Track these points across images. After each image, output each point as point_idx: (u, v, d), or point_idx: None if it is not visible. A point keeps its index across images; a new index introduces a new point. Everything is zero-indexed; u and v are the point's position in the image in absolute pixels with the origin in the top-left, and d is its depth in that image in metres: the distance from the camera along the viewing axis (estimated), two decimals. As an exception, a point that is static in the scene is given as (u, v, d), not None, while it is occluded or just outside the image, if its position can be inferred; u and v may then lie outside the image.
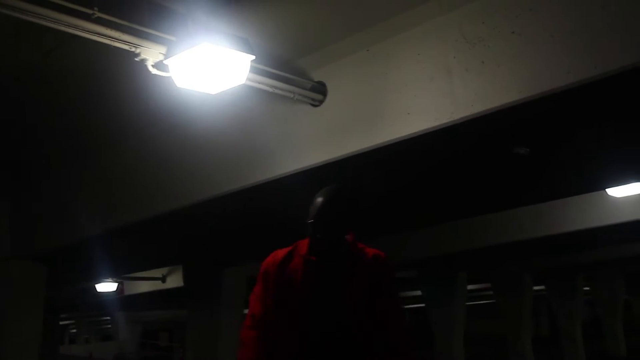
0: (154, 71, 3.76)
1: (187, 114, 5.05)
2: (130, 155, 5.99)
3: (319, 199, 2.86)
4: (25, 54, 4.49)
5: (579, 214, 8.80)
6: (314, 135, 4.69)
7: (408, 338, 2.79)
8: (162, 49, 3.70)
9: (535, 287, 17.15)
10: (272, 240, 4.09)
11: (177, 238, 7.63)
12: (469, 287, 15.77)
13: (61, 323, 36.83)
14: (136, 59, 3.74)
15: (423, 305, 15.30)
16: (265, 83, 4.30)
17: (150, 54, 3.72)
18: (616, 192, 7.72)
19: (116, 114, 5.42)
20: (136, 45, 3.67)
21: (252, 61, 4.08)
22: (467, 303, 16.61)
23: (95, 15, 3.49)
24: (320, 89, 4.63)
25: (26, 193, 7.44)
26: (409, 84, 4.19)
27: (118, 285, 14.78)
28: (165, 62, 3.62)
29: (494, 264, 13.90)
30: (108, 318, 30.56)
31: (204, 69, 3.54)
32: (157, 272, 14.55)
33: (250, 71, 4.17)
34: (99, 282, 14.29)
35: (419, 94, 4.13)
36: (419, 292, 15.89)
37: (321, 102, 4.64)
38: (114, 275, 13.91)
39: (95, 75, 4.70)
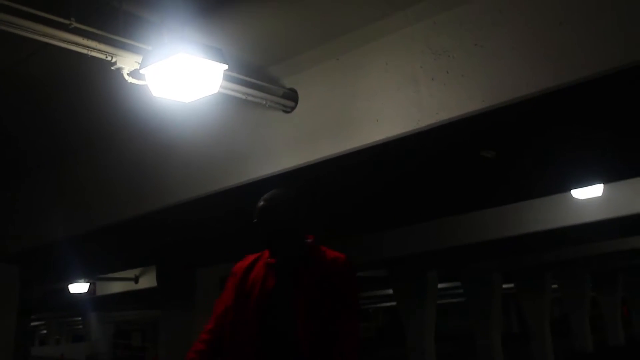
0: (129, 80, 3.87)
1: (161, 120, 5.16)
2: (104, 160, 6.07)
3: (260, 202, 2.85)
4: (2, 58, 4.55)
5: (544, 215, 9.04)
6: (286, 141, 4.83)
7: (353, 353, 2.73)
8: (138, 58, 3.81)
9: (505, 285, 17.46)
10: (244, 242, 4.20)
11: (150, 240, 7.69)
12: (441, 285, 16.00)
13: (32, 324, 36.59)
14: (112, 68, 3.84)
15: (395, 303, 15.50)
16: (238, 90, 4.43)
17: (126, 63, 3.83)
18: (580, 193, 7.95)
19: (91, 119, 5.51)
20: (112, 54, 3.78)
21: (225, 70, 4.22)
22: (439, 302, 16.91)
23: (72, 26, 3.59)
24: (292, 96, 4.76)
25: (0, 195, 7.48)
26: (377, 93, 4.34)
27: (90, 285, 14.75)
28: (140, 71, 3.72)
29: (464, 263, 14.14)
30: (79, 318, 30.36)
31: (178, 78, 3.65)
32: (130, 273, 14.56)
33: (224, 79, 4.29)
34: (72, 283, 14.25)
35: (386, 102, 4.28)
36: (390, 291, 16.08)
37: (292, 108, 4.77)
38: (86, 276, 13.89)
39: (72, 81, 4.79)
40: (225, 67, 3.80)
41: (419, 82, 4.14)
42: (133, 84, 3.92)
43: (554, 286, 19.37)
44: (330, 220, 7.28)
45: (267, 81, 4.71)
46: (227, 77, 4.32)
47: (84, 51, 3.68)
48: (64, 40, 3.60)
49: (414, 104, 4.15)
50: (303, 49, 4.64)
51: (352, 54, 4.50)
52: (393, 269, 13.73)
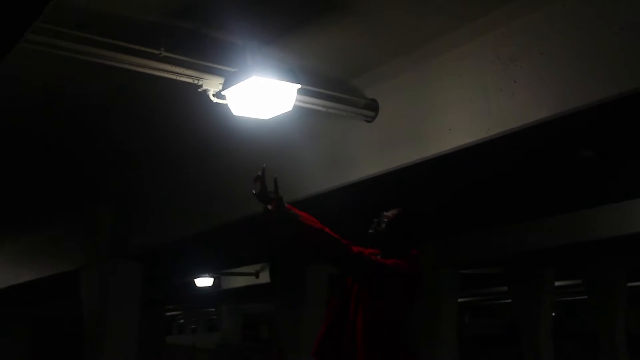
0: (215, 100, 4.25)
1: (256, 132, 5.50)
2: (215, 164, 6.56)
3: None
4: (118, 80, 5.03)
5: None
6: (368, 149, 5.07)
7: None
8: (222, 80, 4.18)
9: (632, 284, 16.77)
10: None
11: (262, 239, 8.17)
12: (558, 283, 15.62)
13: (169, 314, 38.80)
14: (199, 90, 4.23)
15: (510, 301, 15.29)
16: (319, 104, 4.72)
17: (211, 85, 4.21)
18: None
19: (201, 131, 5.97)
20: (198, 78, 4.17)
21: (303, 86, 4.53)
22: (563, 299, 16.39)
23: (162, 55, 4.01)
24: (373, 106, 4.99)
25: (125, 199, 8.19)
26: (450, 102, 4.50)
27: (215, 280, 15.61)
28: (222, 92, 4.09)
29: (584, 261, 13.74)
30: (213, 309, 31.91)
31: (254, 99, 3.98)
32: (252, 268, 15.26)
33: (306, 94, 4.61)
34: (197, 277, 15.14)
35: (459, 112, 4.43)
36: (505, 288, 15.87)
37: (374, 118, 5.00)
38: (211, 271, 14.72)
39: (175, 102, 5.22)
40: (298, 86, 4.09)
41: (488, 92, 4.26)
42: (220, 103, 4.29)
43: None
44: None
45: (349, 93, 4.97)
46: (309, 92, 4.63)
47: (173, 77, 4.09)
48: (154, 69, 4.02)
49: (484, 114, 4.27)
50: (382, 61, 4.85)
51: (428, 66, 4.67)
52: (508, 266, 13.57)
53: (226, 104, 4.19)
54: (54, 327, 17.73)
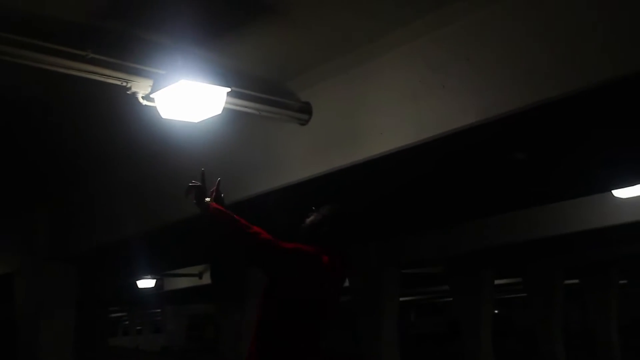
0: (144, 102, 4.19)
1: (187, 136, 5.45)
2: (143, 170, 6.49)
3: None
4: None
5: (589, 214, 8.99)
6: (303, 152, 5.08)
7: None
8: (151, 82, 4.13)
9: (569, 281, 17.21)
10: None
11: (196, 242, 8.11)
12: (499, 281, 15.93)
13: (114, 315, 38.18)
14: (128, 92, 4.17)
15: (451, 299, 15.53)
16: (251, 107, 4.71)
17: (140, 87, 4.15)
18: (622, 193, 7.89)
19: (134, 134, 5.89)
20: (127, 80, 4.11)
21: (239, 87, 4.51)
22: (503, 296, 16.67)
23: (89, 56, 3.94)
24: (307, 109, 5.00)
25: (62, 201, 8.03)
26: (382, 106, 4.54)
27: (157, 281, 15.44)
28: (150, 95, 4.04)
29: (522, 260, 14.06)
30: (158, 311, 31.55)
31: (183, 102, 3.95)
32: (195, 269, 15.14)
33: (238, 97, 4.59)
34: (139, 279, 14.95)
35: (390, 116, 4.48)
36: (447, 287, 16.12)
37: (307, 121, 5.01)
38: (153, 272, 14.54)
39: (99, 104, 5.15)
40: (228, 89, 4.08)
41: (418, 97, 4.31)
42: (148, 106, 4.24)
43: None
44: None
45: (283, 96, 4.97)
46: (241, 95, 4.61)
47: (101, 79, 4.03)
48: (81, 71, 3.95)
49: (413, 117, 4.33)
50: (315, 64, 4.87)
51: (360, 69, 4.70)
52: (449, 266, 13.78)
53: (155, 107, 4.15)
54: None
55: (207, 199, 3.30)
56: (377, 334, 11.49)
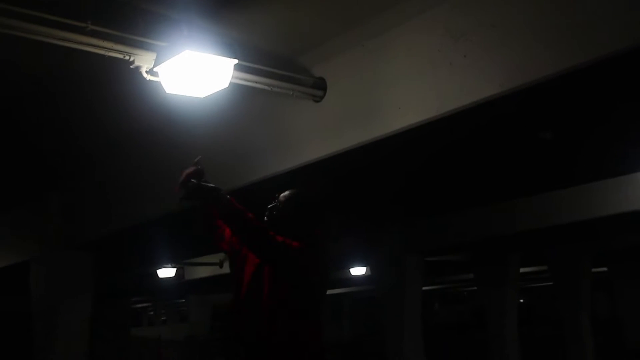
0: (148, 77, 3.98)
1: (192, 114, 5.24)
2: (146, 153, 6.29)
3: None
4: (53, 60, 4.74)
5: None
6: (317, 129, 4.85)
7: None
8: (155, 55, 3.92)
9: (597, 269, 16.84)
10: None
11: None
12: (525, 269, 15.60)
13: (139, 306, 38.38)
14: (131, 67, 3.96)
15: (475, 288, 15.25)
16: (263, 82, 4.48)
17: (144, 61, 3.93)
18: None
19: (144, 115, 5.70)
20: (130, 54, 3.89)
21: (247, 61, 4.29)
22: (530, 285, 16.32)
23: (89, 28, 3.73)
24: (321, 85, 4.76)
25: (76, 188, 7.89)
26: (399, 79, 4.29)
27: (177, 270, 15.30)
28: (154, 69, 3.83)
29: (547, 246, 13.71)
30: (183, 301, 31.57)
31: (188, 75, 3.73)
32: (215, 258, 14.96)
33: (249, 72, 4.37)
34: (159, 268, 14.81)
35: (408, 89, 4.23)
36: (470, 276, 15.84)
37: (322, 97, 4.77)
38: (173, 261, 14.39)
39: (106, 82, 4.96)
40: (235, 61, 3.85)
41: (438, 68, 4.06)
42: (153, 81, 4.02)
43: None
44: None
45: (297, 71, 4.74)
46: (252, 70, 4.39)
47: (102, 52, 3.82)
48: (81, 43, 3.75)
49: (433, 89, 4.08)
50: (329, 36, 4.63)
51: (376, 40, 4.46)
52: (473, 253, 13.48)
53: (159, 82, 3.93)
54: (6, 322, 17.29)
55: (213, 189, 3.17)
56: (400, 323, 11.24)
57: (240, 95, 4.80)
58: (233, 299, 3.38)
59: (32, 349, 8.27)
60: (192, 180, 3.15)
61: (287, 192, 3.44)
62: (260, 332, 3.16)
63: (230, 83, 4.25)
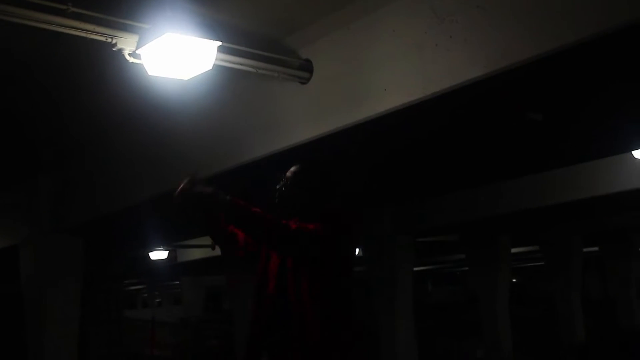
0: (131, 60, 3.94)
1: (177, 98, 5.20)
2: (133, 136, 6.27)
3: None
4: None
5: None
6: (304, 113, 4.81)
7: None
8: (137, 38, 3.87)
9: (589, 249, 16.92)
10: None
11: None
12: (517, 250, 15.65)
13: (133, 288, 38.46)
14: (114, 49, 3.92)
15: (467, 269, 15.31)
16: (248, 64, 4.44)
17: (127, 44, 3.89)
18: (641, 154, 7.57)
19: (128, 97, 5.65)
20: (112, 36, 3.85)
21: (232, 43, 4.25)
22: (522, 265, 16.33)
23: (70, 10, 3.68)
24: (307, 67, 4.73)
25: (64, 171, 7.85)
26: (385, 61, 4.25)
27: (170, 252, 15.28)
28: (137, 51, 3.79)
29: (538, 227, 13.75)
30: (177, 282, 31.62)
31: (170, 57, 3.70)
32: (208, 240, 14.94)
33: (234, 54, 4.33)
34: (151, 251, 14.81)
35: (394, 70, 4.19)
36: (463, 256, 15.89)
37: (308, 79, 4.74)
38: (165, 243, 14.38)
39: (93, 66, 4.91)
40: (218, 43, 3.81)
41: (423, 49, 4.02)
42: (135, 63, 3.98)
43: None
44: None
45: (283, 53, 4.70)
46: (237, 52, 4.35)
47: (83, 34, 3.77)
48: (62, 26, 3.70)
49: (419, 71, 4.04)
50: (315, 18, 4.58)
51: (362, 22, 4.41)
52: (464, 233, 13.51)
53: (142, 64, 3.89)
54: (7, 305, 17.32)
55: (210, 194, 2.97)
56: (391, 304, 11.28)
57: (226, 78, 4.75)
58: (255, 303, 3.16)
59: (24, 330, 8.28)
60: (187, 190, 2.95)
61: (293, 168, 3.24)
62: (292, 330, 2.96)
63: (216, 65, 4.23)
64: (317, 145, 4.84)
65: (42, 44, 4.60)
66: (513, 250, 15.20)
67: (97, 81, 5.39)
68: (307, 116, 4.79)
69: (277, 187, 3.22)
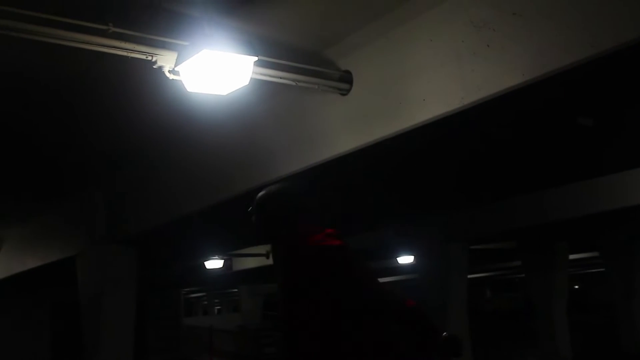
0: (171, 77, 4.01)
1: (221, 112, 5.28)
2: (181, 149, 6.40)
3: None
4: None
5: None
6: (345, 123, 4.82)
7: None
8: (176, 55, 3.95)
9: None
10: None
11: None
12: (577, 256, 15.27)
13: (193, 296, 39.05)
14: (154, 67, 4.01)
15: (520, 276, 15.01)
16: (287, 78, 4.47)
17: (166, 61, 3.97)
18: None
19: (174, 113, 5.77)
20: (152, 54, 3.93)
21: (271, 57, 4.29)
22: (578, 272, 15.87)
23: (111, 31, 3.78)
24: (347, 78, 4.74)
25: (119, 183, 8.06)
26: (423, 70, 4.23)
27: (225, 261, 15.49)
28: (176, 68, 3.86)
29: (597, 232, 13.40)
30: (236, 290, 31.96)
31: (209, 73, 3.76)
32: (262, 249, 15.09)
33: (271, 67, 4.37)
34: (207, 260, 15.04)
35: (432, 80, 4.17)
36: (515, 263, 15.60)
37: (348, 91, 4.75)
38: (219, 252, 14.58)
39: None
40: (255, 58, 3.85)
41: (461, 58, 3.99)
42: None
43: None
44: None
45: (323, 65, 4.72)
46: (275, 65, 4.39)
47: (124, 53, 3.87)
48: (103, 45, 3.80)
49: (457, 80, 4.01)
50: (354, 28, 4.60)
51: (399, 31, 4.40)
52: (520, 240, 13.27)
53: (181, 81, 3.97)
54: (71, 311, 17.89)
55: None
56: (445, 310, 11.15)
57: (265, 92, 4.81)
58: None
59: (82, 337, 8.52)
60: None
61: (259, 195, 3.03)
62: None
63: (256, 80, 4.29)
64: (358, 156, 4.85)
65: (91, 62, 4.74)
66: (573, 256, 14.87)
67: (145, 99, 5.52)
68: (348, 127, 4.80)
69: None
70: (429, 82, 4.19)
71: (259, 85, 4.61)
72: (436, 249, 11.21)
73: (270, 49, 4.38)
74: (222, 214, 7.03)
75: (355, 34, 4.61)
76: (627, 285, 14.50)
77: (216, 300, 44.80)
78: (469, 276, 15.25)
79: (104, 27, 3.76)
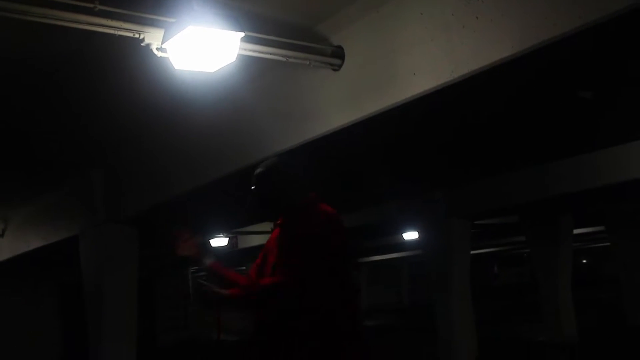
0: (159, 54, 3.99)
1: (210, 90, 5.26)
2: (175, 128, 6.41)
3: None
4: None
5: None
6: (338, 99, 4.80)
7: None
8: (164, 32, 3.92)
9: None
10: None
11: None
12: (583, 230, 15.23)
13: (203, 274, 39.21)
14: (142, 45, 3.98)
15: (528, 250, 14.99)
16: (277, 53, 4.44)
17: (154, 38, 3.94)
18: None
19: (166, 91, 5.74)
20: (139, 32, 3.91)
21: (260, 32, 4.27)
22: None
23: (97, 9, 3.75)
24: (339, 54, 4.70)
25: (116, 162, 8.07)
26: (414, 44, 4.19)
27: (230, 239, 15.53)
28: (162, 45, 3.84)
29: (599, 207, 13.35)
30: (244, 268, 32.11)
31: (195, 50, 3.73)
32: (267, 226, 15.12)
33: (261, 44, 4.35)
34: (211, 238, 15.06)
35: (422, 54, 4.13)
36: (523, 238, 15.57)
37: (340, 66, 4.71)
38: (223, 230, 14.60)
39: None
40: (241, 34, 3.83)
41: (451, 31, 3.95)
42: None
43: None
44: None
45: (314, 41, 4.69)
46: (265, 42, 4.36)
47: (111, 31, 3.84)
48: (89, 24, 3.78)
49: (447, 54, 3.98)
50: (344, 3, 4.55)
51: (390, 5, 4.35)
52: (523, 214, 13.23)
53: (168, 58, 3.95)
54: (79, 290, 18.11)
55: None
56: (447, 287, 11.17)
57: (257, 69, 4.78)
58: None
59: (85, 317, 8.59)
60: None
61: (258, 170, 3.25)
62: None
63: (247, 57, 4.27)
64: (352, 131, 4.83)
65: (81, 43, 4.73)
66: (580, 230, 14.82)
67: (137, 80, 5.50)
68: (341, 103, 4.77)
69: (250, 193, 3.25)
70: (419, 56, 4.15)
71: (250, 62, 4.59)
72: (438, 224, 11.20)
73: (261, 25, 4.35)
74: (218, 192, 7.04)
75: (347, 8, 4.57)
76: (632, 258, 14.46)
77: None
78: (476, 251, 15.28)
79: (90, 5, 3.73)
